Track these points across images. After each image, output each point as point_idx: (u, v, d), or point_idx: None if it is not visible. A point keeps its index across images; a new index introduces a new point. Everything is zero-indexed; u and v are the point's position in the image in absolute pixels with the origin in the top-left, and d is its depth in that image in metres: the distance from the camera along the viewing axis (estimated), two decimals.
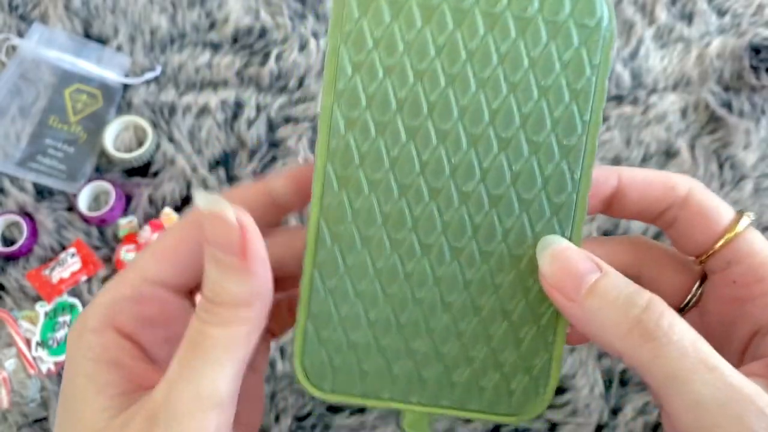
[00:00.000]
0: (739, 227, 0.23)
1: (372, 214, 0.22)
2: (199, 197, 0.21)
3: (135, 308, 0.24)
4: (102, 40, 0.53)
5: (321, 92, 0.22)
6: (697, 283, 0.26)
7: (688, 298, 0.26)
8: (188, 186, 0.49)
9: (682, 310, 0.26)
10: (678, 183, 0.24)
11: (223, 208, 0.20)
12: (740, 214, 0.24)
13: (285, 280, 0.24)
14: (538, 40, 0.19)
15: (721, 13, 0.53)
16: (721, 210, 0.24)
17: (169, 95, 0.51)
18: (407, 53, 0.20)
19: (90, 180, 0.49)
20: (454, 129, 0.21)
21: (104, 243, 0.48)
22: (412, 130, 0.21)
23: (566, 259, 0.20)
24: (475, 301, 0.22)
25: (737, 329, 0.24)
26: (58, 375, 0.44)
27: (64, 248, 0.47)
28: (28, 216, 0.48)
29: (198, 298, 0.22)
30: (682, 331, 0.19)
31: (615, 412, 0.43)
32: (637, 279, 0.27)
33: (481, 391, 0.23)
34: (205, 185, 0.48)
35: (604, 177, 0.24)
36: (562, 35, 0.19)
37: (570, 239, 0.21)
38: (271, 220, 0.25)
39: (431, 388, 0.23)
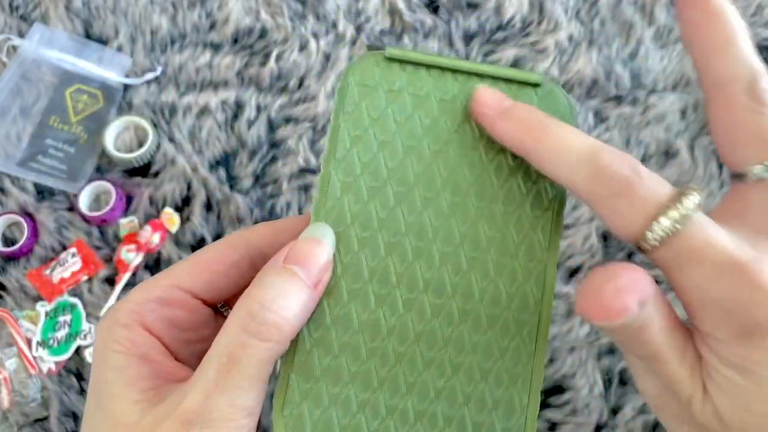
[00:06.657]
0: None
1: (360, 270, 0.24)
2: (309, 230, 0.23)
3: (164, 309, 0.25)
4: (103, 41, 0.53)
5: (322, 161, 0.24)
6: None
7: None
8: (189, 186, 0.49)
9: None
10: None
11: (324, 237, 0.23)
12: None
13: None
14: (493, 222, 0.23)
15: None
16: None
17: (169, 95, 0.51)
18: (399, 133, 0.24)
19: (91, 180, 0.49)
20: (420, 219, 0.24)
21: (105, 243, 0.48)
22: (400, 195, 0.24)
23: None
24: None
25: None
26: (58, 375, 0.44)
27: (64, 248, 0.47)
28: (29, 216, 0.48)
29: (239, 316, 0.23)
30: None
31: (615, 411, 0.43)
32: None
33: None
34: (205, 185, 0.48)
35: None
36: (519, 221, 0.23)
37: (528, 407, 0.23)
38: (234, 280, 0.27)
39: None
